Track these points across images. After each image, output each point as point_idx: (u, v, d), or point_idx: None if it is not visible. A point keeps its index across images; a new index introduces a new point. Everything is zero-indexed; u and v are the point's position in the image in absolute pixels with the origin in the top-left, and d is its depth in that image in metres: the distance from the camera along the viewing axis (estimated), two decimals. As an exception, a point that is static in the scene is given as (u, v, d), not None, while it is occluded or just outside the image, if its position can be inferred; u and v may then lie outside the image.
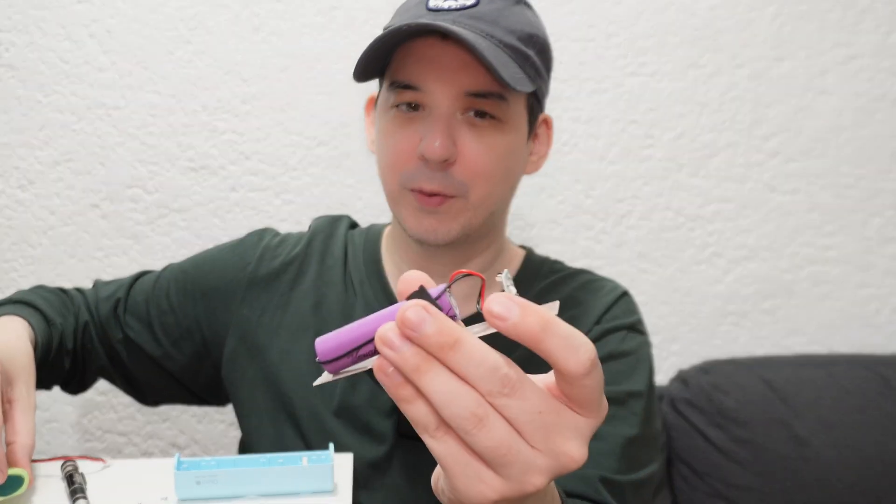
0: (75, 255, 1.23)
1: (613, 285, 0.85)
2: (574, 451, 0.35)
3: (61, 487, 0.62)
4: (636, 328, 0.82)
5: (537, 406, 0.34)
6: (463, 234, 0.75)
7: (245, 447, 0.86)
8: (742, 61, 1.27)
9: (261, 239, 0.88)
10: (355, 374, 0.82)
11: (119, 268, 1.23)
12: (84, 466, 0.65)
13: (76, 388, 0.88)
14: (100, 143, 1.22)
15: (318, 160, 1.24)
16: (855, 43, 1.28)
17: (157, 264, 1.06)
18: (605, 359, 0.77)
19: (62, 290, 0.87)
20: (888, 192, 1.31)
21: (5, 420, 0.60)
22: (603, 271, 1.08)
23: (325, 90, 1.23)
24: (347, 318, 0.80)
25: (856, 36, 1.28)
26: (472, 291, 0.74)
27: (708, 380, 1.21)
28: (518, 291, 0.35)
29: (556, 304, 0.37)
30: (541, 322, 0.33)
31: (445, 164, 0.71)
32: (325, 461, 0.60)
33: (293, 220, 1.23)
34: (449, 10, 0.71)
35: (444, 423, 0.34)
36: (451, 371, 0.33)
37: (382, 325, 0.34)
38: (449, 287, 0.35)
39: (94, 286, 0.89)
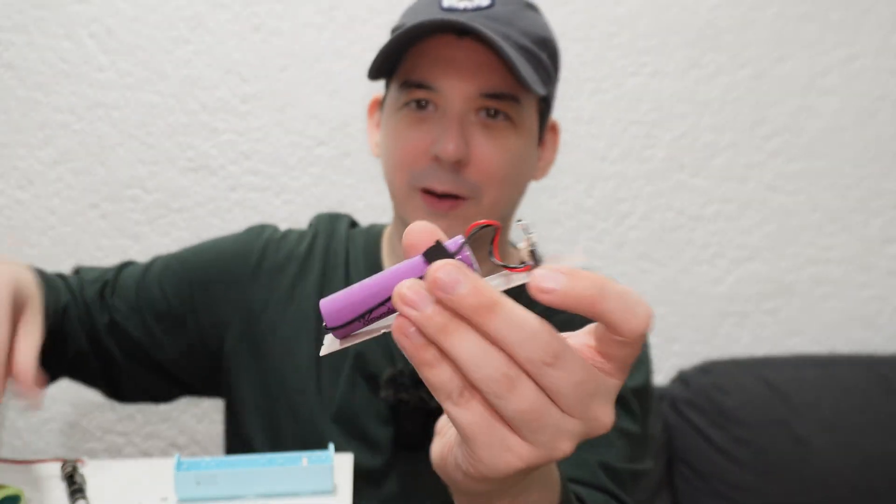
0: (75, 255, 1.23)
1: None
2: (606, 417, 0.33)
3: (61, 487, 0.62)
4: None
5: (579, 376, 0.31)
6: (471, 241, 0.73)
7: (236, 441, 0.84)
8: (743, 61, 1.27)
9: (262, 231, 0.87)
10: (354, 383, 0.82)
11: (119, 268, 1.23)
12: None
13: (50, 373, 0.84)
14: (100, 143, 1.22)
15: (318, 160, 1.24)
16: (856, 43, 1.28)
17: (157, 264, 1.06)
18: None
19: (40, 272, 0.82)
20: (889, 192, 1.31)
21: (11, 344, 0.59)
22: (604, 271, 1.07)
23: (325, 90, 1.23)
24: None
25: (857, 36, 1.28)
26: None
27: (709, 380, 1.21)
28: None
29: (580, 252, 0.34)
30: (595, 284, 0.30)
31: (458, 164, 0.70)
32: (325, 461, 0.60)
33: (293, 220, 1.23)
34: (464, 10, 0.70)
35: (469, 388, 0.32)
36: (484, 335, 0.31)
37: (400, 284, 0.30)
38: (468, 241, 0.32)
39: (75, 271, 0.86)
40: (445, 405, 0.32)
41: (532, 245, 0.33)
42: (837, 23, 1.28)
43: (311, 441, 0.78)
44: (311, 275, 0.83)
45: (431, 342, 0.31)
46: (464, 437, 0.33)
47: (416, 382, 0.74)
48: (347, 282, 0.83)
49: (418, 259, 0.32)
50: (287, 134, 1.23)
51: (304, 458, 0.61)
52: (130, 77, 1.21)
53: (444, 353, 0.31)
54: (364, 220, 0.95)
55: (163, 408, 1.23)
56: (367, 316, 0.33)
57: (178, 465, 0.58)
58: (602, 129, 1.27)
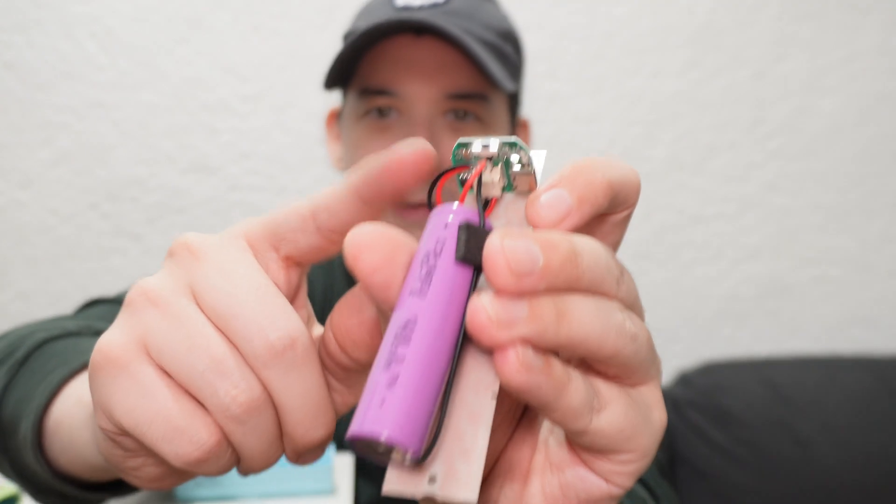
0: (75, 255, 1.23)
1: None
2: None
3: (60, 488, 0.62)
4: None
5: (631, 277, 0.25)
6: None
7: None
8: (743, 61, 1.27)
9: None
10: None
11: (119, 268, 1.23)
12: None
13: None
14: (100, 143, 1.22)
15: (318, 160, 1.24)
16: (856, 43, 1.28)
17: (157, 264, 1.06)
18: None
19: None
20: (890, 192, 1.31)
21: None
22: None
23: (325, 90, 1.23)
24: None
25: (857, 36, 1.28)
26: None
27: (709, 380, 1.21)
28: None
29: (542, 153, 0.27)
30: (591, 167, 0.24)
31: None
32: (325, 461, 0.60)
33: (293, 220, 1.23)
34: (420, 7, 0.66)
35: (596, 375, 0.24)
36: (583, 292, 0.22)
37: (474, 313, 0.20)
38: (480, 200, 0.24)
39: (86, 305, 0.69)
40: (583, 425, 0.23)
41: (531, 160, 0.25)
42: (837, 23, 1.28)
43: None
44: (317, 288, 0.77)
45: (550, 351, 0.22)
46: (614, 444, 0.24)
47: None
48: (325, 313, 0.77)
49: (448, 269, 0.22)
50: (287, 134, 1.23)
51: (304, 458, 0.61)
52: (130, 77, 1.21)
53: (568, 357, 0.23)
54: (364, 220, 0.94)
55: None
56: (444, 398, 0.22)
57: (178, 465, 0.58)
58: (602, 129, 1.27)
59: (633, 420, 0.24)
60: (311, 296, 0.70)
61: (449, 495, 0.21)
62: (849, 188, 1.31)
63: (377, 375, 0.21)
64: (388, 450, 0.21)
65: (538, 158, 0.25)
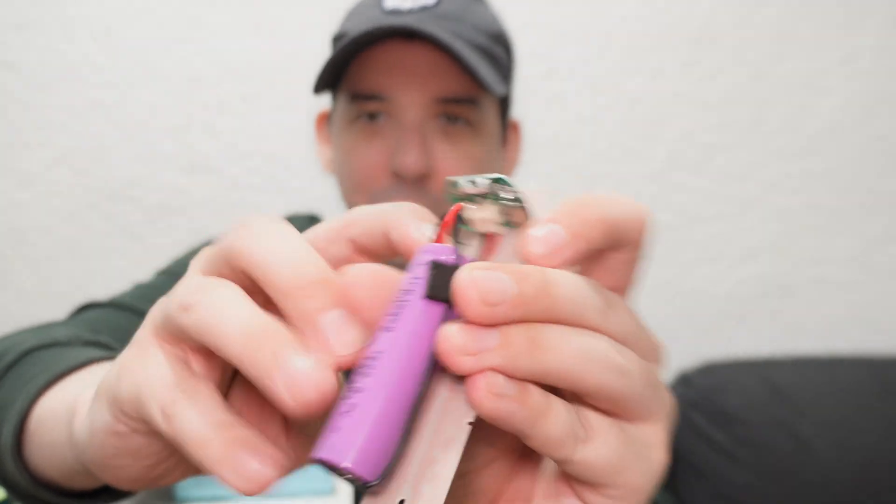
0: (75, 255, 1.23)
1: None
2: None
3: (60, 488, 0.62)
4: None
5: (631, 313, 0.25)
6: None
7: None
8: (743, 61, 1.27)
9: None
10: None
11: (119, 268, 1.23)
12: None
13: None
14: (100, 143, 1.22)
15: (317, 160, 1.24)
16: (856, 43, 1.28)
17: (157, 264, 1.06)
18: None
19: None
20: (890, 192, 1.31)
21: None
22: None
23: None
24: None
25: (857, 36, 1.28)
26: None
27: (709, 381, 1.21)
28: None
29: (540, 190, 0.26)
30: (588, 203, 0.24)
31: (421, 179, 0.65)
32: (325, 461, 0.60)
33: (293, 220, 1.23)
34: (410, 10, 0.66)
35: (583, 406, 0.24)
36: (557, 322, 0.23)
37: (444, 340, 0.21)
38: (456, 241, 0.25)
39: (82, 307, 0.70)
40: (565, 453, 0.23)
41: (519, 195, 0.24)
42: (837, 23, 1.28)
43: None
44: None
45: (526, 380, 0.22)
46: (602, 477, 0.24)
47: None
48: None
49: (416, 305, 0.23)
50: (287, 134, 1.23)
51: (304, 458, 0.61)
52: (130, 77, 1.21)
53: (547, 387, 0.23)
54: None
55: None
56: (408, 426, 0.22)
57: (178, 465, 0.58)
58: (601, 129, 1.27)
59: (623, 455, 0.24)
60: None
61: None
62: (849, 188, 1.31)
63: (337, 405, 0.22)
64: (343, 473, 0.22)
65: (527, 192, 0.25)
